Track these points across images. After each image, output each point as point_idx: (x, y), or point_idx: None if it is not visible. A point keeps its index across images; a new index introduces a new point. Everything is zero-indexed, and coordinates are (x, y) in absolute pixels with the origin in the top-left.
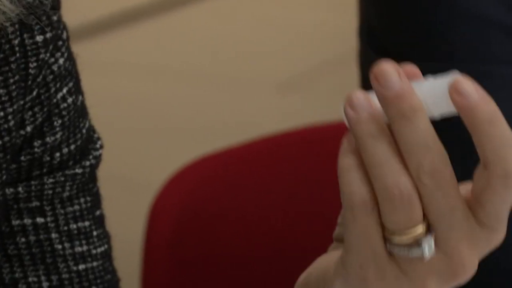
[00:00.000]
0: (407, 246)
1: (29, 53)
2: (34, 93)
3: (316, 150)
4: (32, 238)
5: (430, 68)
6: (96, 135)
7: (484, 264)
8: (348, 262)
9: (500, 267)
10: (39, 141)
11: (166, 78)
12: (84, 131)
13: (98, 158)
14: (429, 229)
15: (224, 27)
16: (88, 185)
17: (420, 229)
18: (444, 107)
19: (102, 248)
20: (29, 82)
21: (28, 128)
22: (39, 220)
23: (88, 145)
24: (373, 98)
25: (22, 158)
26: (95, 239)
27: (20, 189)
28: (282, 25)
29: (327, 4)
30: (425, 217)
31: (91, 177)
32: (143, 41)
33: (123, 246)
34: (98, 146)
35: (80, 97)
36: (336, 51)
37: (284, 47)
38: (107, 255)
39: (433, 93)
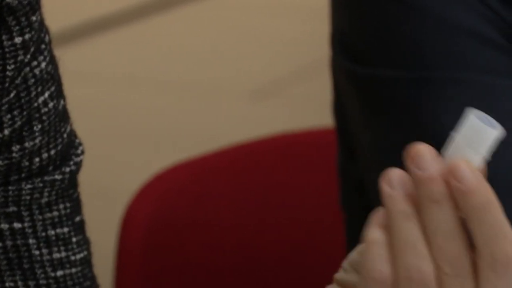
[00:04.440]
0: None
1: (7, 55)
2: (12, 95)
3: (289, 157)
4: (9, 243)
5: (402, 76)
6: (77, 140)
7: None
8: None
9: None
10: (18, 146)
11: (140, 87)
12: (65, 135)
13: (78, 164)
14: None
15: (197, 35)
16: (68, 191)
17: None
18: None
19: (81, 255)
20: (6, 84)
21: (6, 131)
22: (16, 225)
23: (69, 150)
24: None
25: (0, 162)
26: (74, 245)
27: None
28: (254, 32)
29: (299, 12)
30: None
31: (71, 183)
32: (113, 50)
33: (96, 253)
34: (79, 151)
35: (62, 101)
36: (309, 58)
37: (256, 55)
38: (86, 262)
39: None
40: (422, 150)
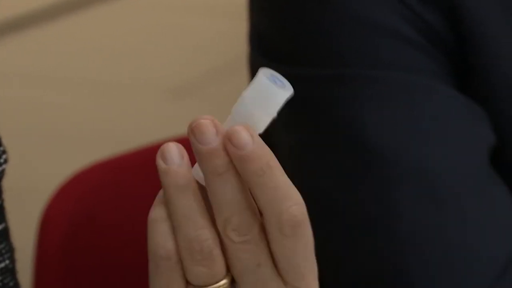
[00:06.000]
0: None
1: None
2: None
3: None
4: None
5: (320, 74)
6: (1, 148)
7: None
8: None
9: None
10: None
11: (57, 86)
12: None
13: (1, 173)
14: (233, 284)
15: (115, 33)
16: None
17: (222, 284)
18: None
19: (3, 264)
20: None
21: None
22: None
23: None
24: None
25: None
26: None
27: None
28: (173, 30)
29: (218, 10)
30: (229, 272)
31: None
32: (27, 50)
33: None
34: (2, 160)
35: None
36: (227, 57)
37: (174, 54)
38: (8, 271)
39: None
40: (204, 124)
